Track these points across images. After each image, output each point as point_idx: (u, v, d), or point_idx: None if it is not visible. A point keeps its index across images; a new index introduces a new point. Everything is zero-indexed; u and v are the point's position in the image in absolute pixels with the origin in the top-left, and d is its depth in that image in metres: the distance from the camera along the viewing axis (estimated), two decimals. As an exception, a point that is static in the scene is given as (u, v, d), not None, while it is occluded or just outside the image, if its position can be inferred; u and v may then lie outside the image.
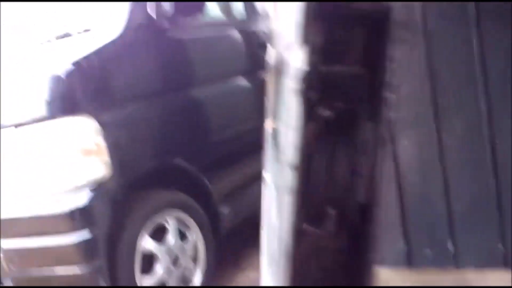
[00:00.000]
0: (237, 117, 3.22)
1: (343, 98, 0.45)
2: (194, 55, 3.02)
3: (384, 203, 2.52)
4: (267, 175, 0.97)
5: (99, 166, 2.41)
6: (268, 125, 0.88)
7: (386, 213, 2.53)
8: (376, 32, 0.43)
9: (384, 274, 2.59)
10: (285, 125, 0.46)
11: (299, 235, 0.49)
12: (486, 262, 2.42)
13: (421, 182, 2.45)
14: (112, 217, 2.48)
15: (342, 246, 0.46)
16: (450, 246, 2.44)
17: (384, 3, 0.42)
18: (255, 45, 3.47)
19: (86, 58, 2.49)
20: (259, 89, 3.51)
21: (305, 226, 0.48)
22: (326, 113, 0.46)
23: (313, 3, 0.45)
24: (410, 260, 2.53)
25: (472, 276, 2.46)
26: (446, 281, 2.48)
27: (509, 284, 2.37)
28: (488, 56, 2.18)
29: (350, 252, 0.47)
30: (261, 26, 3.59)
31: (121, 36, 2.64)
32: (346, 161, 0.45)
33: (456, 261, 2.45)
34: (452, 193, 2.38)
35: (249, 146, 3.15)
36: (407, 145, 2.41)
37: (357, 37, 0.43)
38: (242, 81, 3.36)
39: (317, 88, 0.46)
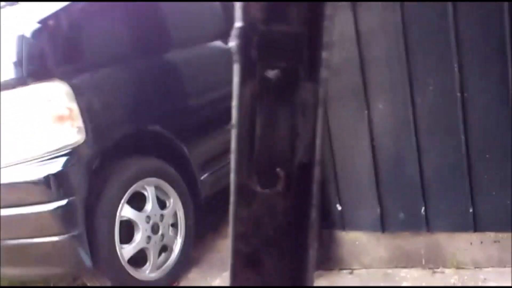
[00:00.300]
0: (215, 82, 3.20)
1: (283, 58, 0.46)
2: (169, 17, 2.98)
3: (359, 168, 2.57)
4: None
5: (72, 132, 2.40)
6: None
7: (360, 177, 2.58)
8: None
9: (358, 237, 2.66)
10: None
11: (249, 196, 0.51)
12: (457, 225, 2.48)
13: (395, 147, 2.50)
14: (89, 184, 2.48)
15: (291, 205, 0.49)
16: (422, 210, 2.49)
17: None
18: (231, 5, 3.43)
19: (53, 16, 2.43)
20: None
21: (255, 186, 0.50)
22: (265, 72, 0.46)
23: None
24: (384, 224, 2.59)
25: (443, 239, 2.53)
26: (418, 244, 2.55)
27: (477, 245, 2.44)
28: (461, 19, 2.19)
29: (297, 211, 0.50)
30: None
31: None
32: (287, 121, 0.46)
33: (428, 225, 2.51)
34: (424, 157, 2.43)
35: (228, 111, 3.14)
36: (381, 108, 2.44)
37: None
38: (220, 44, 3.33)
39: (256, 47, 0.46)
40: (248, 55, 0.48)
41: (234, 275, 0.54)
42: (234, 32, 0.48)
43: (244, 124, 0.50)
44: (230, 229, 0.54)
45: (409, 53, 2.29)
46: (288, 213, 0.54)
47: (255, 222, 0.53)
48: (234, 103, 0.50)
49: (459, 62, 2.24)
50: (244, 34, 0.47)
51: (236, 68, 0.49)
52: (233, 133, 0.50)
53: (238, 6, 0.48)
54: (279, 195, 0.53)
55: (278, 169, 0.52)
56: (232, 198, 0.52)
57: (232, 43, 0.46)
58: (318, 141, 0.51)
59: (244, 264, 0.54)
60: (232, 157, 0.52)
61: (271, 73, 0.49)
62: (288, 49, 0.49)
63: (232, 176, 0.51)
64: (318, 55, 0.48)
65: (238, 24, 0.47)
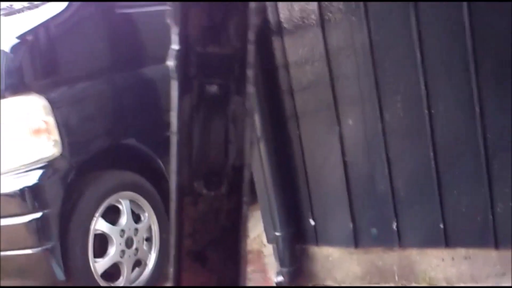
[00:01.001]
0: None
1: (216, 75, 0.55)
2: (145, 32, 3.07)
3: (332, 183, 2.63)
4: None
5: (48, 145, 2.46)
6: None
7: (333, 193, 2.64)
8: (241, 17, 0.53)
9: (331, 253, 2.70)
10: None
11: (195, 197, 0.58)
12: (429, 241, 2.53)
13: (366, 162, 2.56)
14: (64, 197, 2.53)
15: (227, 204, 0.56)
16: (394, 225, 2.54)
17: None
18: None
19: (32, 31, 2.51)
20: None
21: (201, 189, 0.57)
22: (201, 87, 0.56)
23: None
24: (356, 240, 2.64)
25: (415, 255, 2.57)
26: (391, 260, 2.59)
27: (448, 261, 2.49)
28: (426, 37, 2.28)
29: (233, 209, 0.57)
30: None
31: (66, 9, 2.64)
32: (220, 129, 0.55)
33: (400, 241, 2.56)
34: (395, 173, 2.49)
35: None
36: (351, 124, 2.51)
37: (228, 23, 0.54)
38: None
39: (193, 65, 0.56)
40: (186, 73, 0.56)
41: (180, 272, 0.59)
42: (172, 53, 0.56)
43: (183, 132, 0.57)
44: (172, 229, 0.59)
45: (377, 71, 2.38)
46: (226, 212, 0.60)
47: (202, 221, 0.59)
48: (174, 113, 0.57)
49: (425, 79, 2.32)
50: (182, 55, 0.55)
51: (174, 84, 0.57)
52: (173, 140, 0.58)
53: (174, 31, 0.56)
54: (218, 196, 0.59)
55: (219, 172, 0.59)
56: (173, 199, 0.58)
57: (170, 63, 0.54)
58: (247, 147, 0.58)
59: (192, 260, 0.60)
60: (172, 161, 0.58)
61: (206, 87, 0.57)
62: (220, 68, 0.57)
63: (173, 178, 0.58)
64: (246, 73, 0.57)
65: (175, 46, 0.56)
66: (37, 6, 2.75)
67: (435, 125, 2.37)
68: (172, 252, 0.60)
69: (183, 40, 0.55)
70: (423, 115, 2.36)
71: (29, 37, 2.51)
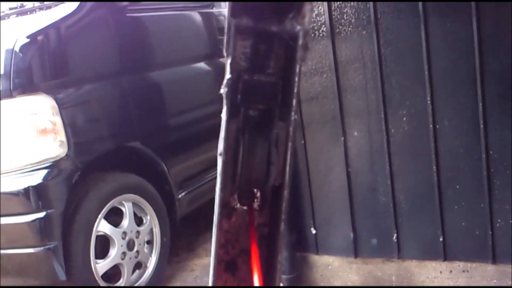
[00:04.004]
0: (196, 102, 3.38)
1: (261, 101, 0.62)
2: (154, 37, 3.15)
3: (334, 193, 2.73)
4: None
5: (55, 145, 2.52)
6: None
7: (335, 202, 2.73)
8: (288, 51, 0.60)
9: (331, 262, 2.80)
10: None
11: (230, 211, 0.66)
12: (428, 253, 2.63)
13: (369, 174, 2.66)
14: (68, 197, 2.59)
15: (265, 221, 0.63)
16: (394, 237, 2.64)
17: (295, 28, 0.59)
18: (216, 30, 3.62)
19: (42, 31, 2.57)
20: (218, 75, 3.68)
21: (235, 204, 0.65)
22: (247, 112, 0.63)
23: (235, 20, 0.61)
24: (356, 249, 2.74)
25: (414, 266, 2.67)
26: (390, 270, 2.69)
27: (446, 274, 2.59)
28: (434, 50, 2.38)
29: (269, 225, 0.65)
30: (223, 9, 3.74)
31: (77, 11, 2.71)
32: (263, 151, 0.62)
33: (399, 252, 2.66)
34: (397, 185, 2.59)
35: (208, 131, 3.32)
36: (357, 136, 2.61)
37: (274, 54, 0.61)
38: (203, 66, 3.51)
39: (240, 92, 0.62)
40: (234, 99, 0.64)
41: (214, 278, 0.68)
42: (224, 82, 0.64)
43: (229, 152, 0.66)
44: (213, 239, 0.68)
45: (384, 84, 2.48)
46: (262, 227, 0.69)
47: (234, 233, 0.68)
48: (222, 135, 0.66)
49: (432, 94, 2.42)
50: (231, 83, 0.64)
51: (224, 109, 0.65)
52: (220, 160, 0.66)
53: (227, 61, 0.64)
54: (255, 211, 0.68)
55: (255, 190, 0.67)
56: (216, 212, 0.67)
57: (223, 90, 0.63)
58: (287, 169, 0.67)
59: (223, 269, 0.69)
60: (218, 179, 0.67)
61: (251, 113, 0.65)
62: (265, 95, 0.65)
63: (217, 194, 0.66)
64: (290, 101, 0.65)
65: (227, 76, 0.64)
66: (49, 7, 2.82)
67: (439, 140, 2.47)
68: (210, 261, 0.69)
69: (233, 70, 0.63)
70: (428, 130, 2.46)
71: (39, 37, 2.57)
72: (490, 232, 2.50)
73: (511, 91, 2.33)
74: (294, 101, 0.66)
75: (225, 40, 0.63)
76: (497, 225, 2.48)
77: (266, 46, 0.64)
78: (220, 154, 0.65)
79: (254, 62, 0.65)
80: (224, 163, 0.65)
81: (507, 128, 2.37)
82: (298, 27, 0.61)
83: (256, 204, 0.69)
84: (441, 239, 2.59)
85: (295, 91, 0.65)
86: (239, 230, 0.69)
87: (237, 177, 0.66)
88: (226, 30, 0.61)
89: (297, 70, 0.64)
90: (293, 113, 0.66)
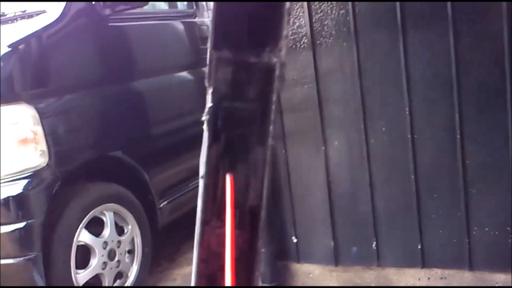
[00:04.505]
0: (178, 111, 3.40)
1: (240, 127, 0.67)
2: (136, 46, 3.17)
3: (315, 202, 2.78)
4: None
5: (36, 155, 2.52)
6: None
7: (316, 211, 2.79)
8: (265, 81, 0.65)
9: (312, 270, 2.84)
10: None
11: (207, 230, 0.71)
12: (406, 261, 2.70)
13: (349, 183, 2.72)
14: (49, 207, 2.58)
15: (243, 239, 0.68)
16: (374, 245, 2.71)
17: (272, 60, 0.65)
18: (198, 39, 3.66)
19: (23, 40, 2.57)
20: (200, 84, 3.71)
21: (211, 222, 0.70)
22: (227, 138, 0.68)
23: (217, 52, 0.67)
24: (337, 258, 2.79)
25: (393, 274, 2.74)
26: (369, 278, 2.75)
27: (424, 280, 2.66)
28: (412, 62, 2.46)
29: (247, 242, 0.70)
30: (204, 19, 3.79)
31: (59, 20, 2.72)
32: (242, 175, 0.67)
33: (379, 260, 2.73)
34: (377, 194, 2.66)
35: (190, 141, 3.35)
36: (337, 146, 2.67)
37: (252, 83, 0.66)
38: (185, 75, 3.54)
39: (221, 118, 0.67)
40: (215, 125, 0.69)
41: None
42: (206, 110, 0.69)
43: (210, 176, 0.70)
44: (194, 255, 0.72)
45: (364, 95, 2.55)
46: (240, 244, 0.73)
47: (214, 250, 0.73)
48: (203, 159, 0.70)
49: (410, 105, 2.49)
50: (212, 111, 0.68)
51: (205, 135, 0.70)
52: (201, 182, 0.71)
53: (209, 91, 0.69)
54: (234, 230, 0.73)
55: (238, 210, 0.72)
56: (197, 232, 0.71)
57: (204, 118, 0.67)
58: (264, 192, 0.71)
59: (205, 283, 0.73)
60: (199, 200, 0.71)
61: (231, 138, 0.70)
62: (244, 121, 0.70)
63: (199, 214, 0.71)
64: (267, 127, 0.70)
65: (209, 104, 0.69)
66: (30, 16, 2.83)
67: (417, 150, 2.54)
68: (192, 275, 0.73)
69: (214, 99, 0.68)
70: (406, 140, 2.53)
71: (21, 46, 2.57)
72: (467, 240, 2.58)
73: (487, 103, 2.42)
74: (271, 128, 0.70)
75: (207, 71, 0.67)
76: (474, 233, 2.56)
77: (245, 76, 0.68)
78: (202, 177, 0.70)
79: (234, 90, 0.69)
80: (205, 186, 0.69)
81: (483, 139, 2.45)
82: (275, 59, 0.66)
83: (238, 225, 0.74)
84: (419, 247, 2.66)
85: (272, 118, 0.70)
86: (219, 247, 0.73)
87: (217, 199, 0.70)
88: (208, 62, 0.65)
89: (274, 98, 0.69)
90: (270, 139, 0.71)
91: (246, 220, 0.73)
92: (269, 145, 0.70)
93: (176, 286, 1.99)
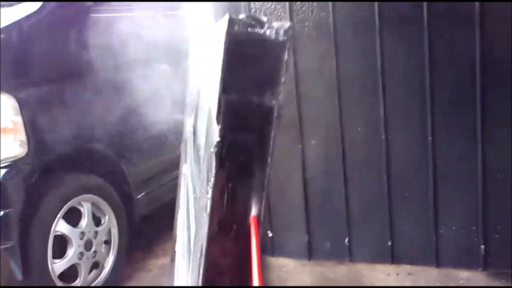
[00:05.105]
0: (158, 104, 3.45)
1: (242, 156, 0.79)
2: (117, 38, 3.20)
3: (291, 198, 2.88)
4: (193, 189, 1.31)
5: (14, 145, 2.54)
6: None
7: (292, 207, 2.89)
8: (265, 119, 0.76)
9: (286, 264, 2.95)
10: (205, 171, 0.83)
11: (213, 241, 0.82)
12: (377, 257, 2.83)
13: (324, 180, 2.83)
14: (27, 197, 2.61)
15: (242, 247, 0.80)
16: (346, 240, 2.82)
17: (272, 102, 0.77)
18: (182, 32, 3.70)
19: (4, 30, 2.59)
20: (182, 77, 3.77)
21: (216, 235, 0.81)
22: (231, 164, 0.79)
23: (225, 95, 0.77)
24: (310, 252, 2.90)
25: (364, 269, 2.86)
26: (341, 272, 2.87)
27: (393, 276, 2.79)
28: (388, 66, 2.57)
29: (244, 251, 0.81)
30: (187, 12, 3.83)
31: (41, 9, 2.74)
32: (244, 195, 0.79)
33: (351, 255, 2.85)
34: (350, 192, 2.78)
35: (169, 133, 3.42)
36: (314, 144, 2.77)
37: (254, 119, 0.77)
38: (166, 68, 3.59)
39: (226, 149, 0.78)
40: (221, 154, 0.79)
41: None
42: (214, 144, 0.79)
43: (217, 195, 0.81)
44: (201, 263, 0.82)
45: (341, 95, 2.65)
46: (237, 252, 0.85)
47: (215, 258, 0.83)
48: (212, 183, 0.80)
49: (385, 107, 2.61)
50: (220, 144, 0.78)
51: (213, 163, 0.80)
52: (209, 201, 0.81)
53: (218, 127, 0.79)
54: (232, 240, 0.84)
55: (233, 224, 0.83)
56: (204, 244, 0.81)
57: (213, 149, 0.77)
58: (262, 210, 0.82)
59: (208, 285, 0.84)
60: (206, 218, 0.81)
61: (234, 165, 0.80)
62: (246, 151, 0.81)
63: (206, 229, 0.81)
64: (266, 157, 0.81)
65: (217, 139, 0.79)
66: (11, 5, 2.84)
67: (390, 150, 2.66)
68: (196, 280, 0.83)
69: (221, 134, 0.78)
70: (380, 140, 2.65)
71: (1, 36, 2.59)
72: (435, 238, 2.71)
73: (458, 108, 2.55)
74: (269, 159, 0.82)
75: (216, 111, 0.77)
76: (441, 231, 2.70)
77: (248, 115, 0.79)
78: (210, 198, 0.80)
79: (238, 127, 0.80)
80: (212, 206, 0.80)
81: (453, 142, 2.58)
82: (274, 102, 0.77)
83: (233, 234, 0.85)
84: (389, 244, 2.79)
85: (270, 150, 0.81)
86: (223, 256, 0.84)
87: (222, 216, 0.81)
88: (217, 103, 0.75)
89: (272, 135, 0.81)
90: (268, 168, 0.82)
91: (245, 232, 0.83)
92: (267, 174, 0.81)
93: (176, 286, 2.07)
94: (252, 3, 2.73)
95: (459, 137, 2.58)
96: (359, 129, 2.68)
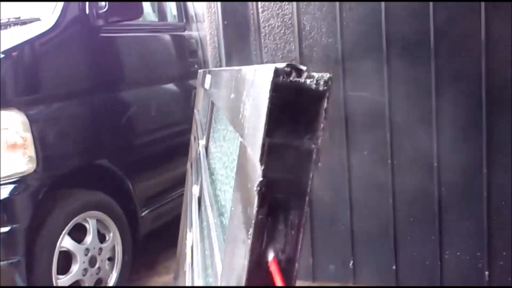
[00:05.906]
0: (164, 122, 3.54)
1: (282, 194, 0.88)
2: (126, 57, 3.29)
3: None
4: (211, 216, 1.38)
5: (24, 161, 2.62)
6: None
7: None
8: (304, 161, 0.86)
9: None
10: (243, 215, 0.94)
11: (253, 274, 0.91)
12: (381, 280, 2.87)
13: (330, 203, 2.88)
14: (34, 213, 2.68)
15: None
16: (351, 263, 2.87)
17: (311, 146, 0.86)
18: (187, 52, 3.80)
19: (17, 47, 2.69)
20: (187, 96, 3.86)
21: (256, 266, 0.90)
22: (271, 203, 0.87)
23: (268, 138, 0.86)
24: (315, 274, 2.95)
25: (367, 292, 2.91)
26: (344, 295, 2.92)
27: (397, 301, 2.84)
28: (394, 92, 2.63)
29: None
30: (194, 33, 3.94)
31: (53, 29, 2.85)
32: (281, 232, 0.87)
33: (355, 278, 2.89)
34: (356, 215, 2.83)
35: (174, 150, 3.49)
36: (320, 166, 2.82)
37: (294, 162, 0.86)
38: (172, 87, 3.68)
39: (267, 186, 0.87)
40: (262, 193, 0.86)
41: None
42: (257, 183, 0.86)
43: (256, 233, 0.87)
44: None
45: (348, 120, 2.71)
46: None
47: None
48: (254, 221, 0.87)
49: (391, 132, 2.67)
50: (261, 183, 0.84)
51: (255, 201, 0.87)
52: (251, 239, 0.88)
53: (261, 167, 0.85)
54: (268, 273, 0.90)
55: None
56: (245, 276, 0.88)
57: (255, 189, 0.84)
58: (299, 246, 0.88)
59: None
60: (247, 256, 0.88)
61: (274, 203, 0.87)
62: (285, 191, 0.88)
63: (247, 268, 0.88)
64: (304, 197, 0.87)
65: (260, 178, 0.85)
66: (24, 23, 2.93)
67: (396, 175, 2.72)
68: None
69: (265, 175, 0.85)
70: (386, 165, 2.71)
71: (14, 53, 2.68)
72: (439, 263, 2.76)
73: (463, 133, 2.61)
74: (307, 198, 0.88)
75: (259, 152, 0.84)
76: (446, 256, 2.75)
77: (288, 157, 0.86)
78: (250, 236, 0.87)
79: (279, 167, 0.87)
80: (252, 243, 0.87)
81: (458, 167, 2.64)
82: (313, 146, 0.83)
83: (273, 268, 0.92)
84: (394, 267, 2.84)
85: (308, 191, 0.88)
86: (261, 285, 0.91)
87: (261, 252, 0.88)
88: (261, 146, 0.82)
89: (310, 176, 0.87)
90: (306, 206, 0.89)
91: (283, 271, 0.90)
92: (305, 211, 0.88)
93: (176, 286, 2.10)
94: (259, 3, 2.81)
95: (464, 163, 2.63)
96: (365, 153, 2.74)
